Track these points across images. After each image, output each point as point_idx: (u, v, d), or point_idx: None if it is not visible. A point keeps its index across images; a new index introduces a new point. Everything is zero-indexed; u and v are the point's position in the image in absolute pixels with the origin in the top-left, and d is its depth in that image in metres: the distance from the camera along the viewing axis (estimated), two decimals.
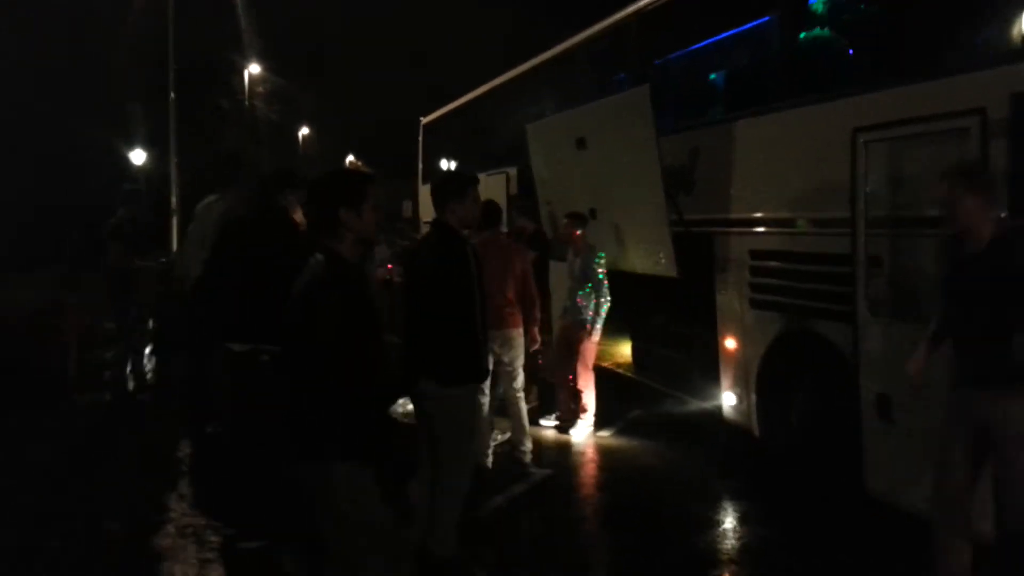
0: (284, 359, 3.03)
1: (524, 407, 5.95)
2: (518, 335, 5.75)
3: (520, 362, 5.82)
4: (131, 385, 8.21)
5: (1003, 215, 3.61)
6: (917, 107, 4.20)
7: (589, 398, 6.66)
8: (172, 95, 18.70)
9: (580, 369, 6.62)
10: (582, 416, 6.68)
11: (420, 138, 14.84)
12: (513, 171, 9.36)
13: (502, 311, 5.56)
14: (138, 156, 25.58)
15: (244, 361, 4.33)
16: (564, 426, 6.75)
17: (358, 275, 3.02)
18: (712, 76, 6.60)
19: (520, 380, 5.88)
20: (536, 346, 6.01)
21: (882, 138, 4.40)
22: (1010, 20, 3.84)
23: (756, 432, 5.74)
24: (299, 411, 2.91)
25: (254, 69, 32.37)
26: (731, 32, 6.18)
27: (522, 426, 5.91)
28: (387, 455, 2.97)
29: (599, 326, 6.52)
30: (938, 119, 4.06)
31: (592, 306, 6.47)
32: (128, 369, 8.28)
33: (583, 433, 6.63)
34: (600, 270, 6.48)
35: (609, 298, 6.52)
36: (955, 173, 3.47)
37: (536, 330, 5.95)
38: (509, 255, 5.80)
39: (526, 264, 5.91)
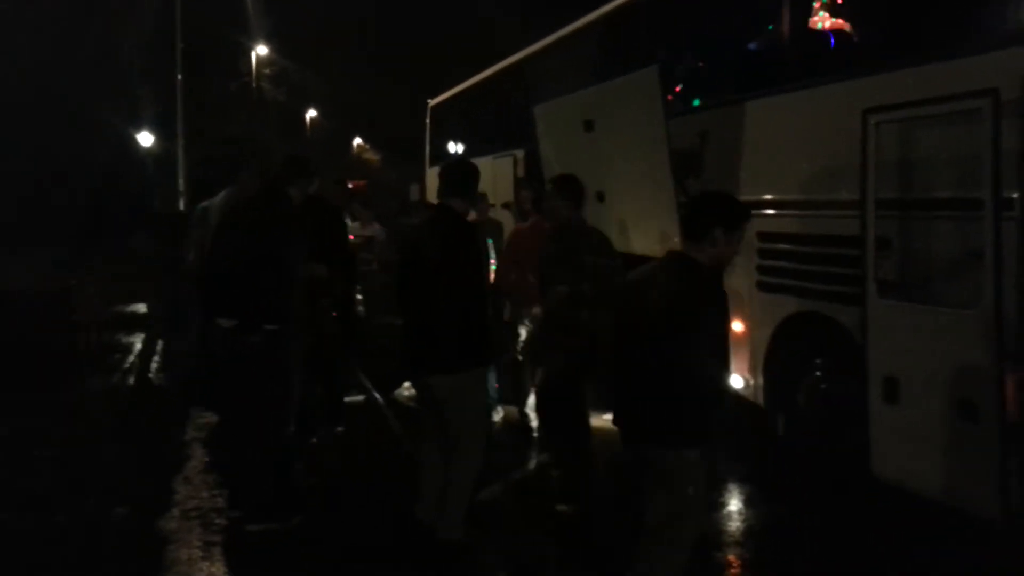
0: (637, 353, 3.14)
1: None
2: None
3: None
4: (152, 367, 8.26)
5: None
6: (928, 88, 4.16)
7: None
8: (179, 76, 18.68)
9: None
10: None
11: (428, 120, 14.81)
12: (521, 153, 9.32)
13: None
14: (145, 138, 25.64)
15: (233, 337, 4.41)
16: None
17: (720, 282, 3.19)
18: (723, 56, 6.54)
19: None
20: None
21: (893, 119, 4.36)
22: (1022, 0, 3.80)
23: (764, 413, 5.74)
24: (655, 400, 3.07)
25: (262, 51, 32.28)
26: (741, 11, 6.11)
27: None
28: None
29: None
30: (950, 100, 4.02)
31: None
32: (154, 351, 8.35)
33: None
34: None
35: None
36: None
37: None
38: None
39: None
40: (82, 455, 5.79)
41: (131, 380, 8.01)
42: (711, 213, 3.19)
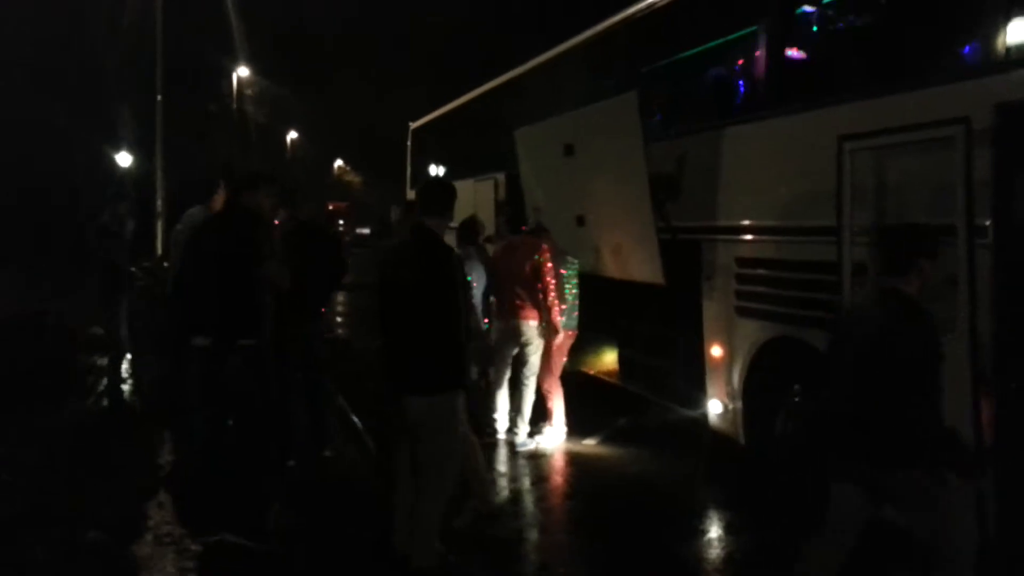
0: (849, 384, 3.46)
1: (530, 392, 6.50)
2: (527, 326, 6.35)
3: (531, 349, 6.41)
4: (123, 390, 8.11)
5: None
6: (902, 116, 4.22)
7: (556, 405, 6.63)
8: (159, 97, 18.59)
9: (545, 374, 6.60)
10: (549, 424, 6.64)
11: (409, 143, 14.83)
12: (502, 177, 9.34)
13: (512, 304, 6.37)
14: (124, 159, 25.48)
15: (209, 355, 4.44)
16: (532, 433, 6.65)
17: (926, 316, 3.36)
18: (700, 84, 6.61)
19: (531, 366, 6.46)
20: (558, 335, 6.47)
21: (867, 147, 4.41)
22: (994, 31, 3.87)
23: (742, 440, 5.73)
24: (875, 423, 3.35)
25: (243, 72, 32.28)
26: (719, 40, 6.18)
27: (520, 407, 6.47)
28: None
29: (561, 331, 6.46)
30: (923, 128, 4.07)
31: (563, 313, 6.47)
32: (121, 374, 8.20)
33: (553, 441, 6.58)
34: (571, 275, 6.50)
35: (569, 303, 6.53)
36: None
37: (555, 318, 6.38)
38: (518, 254, 6.42)
39: (532, 259, 6.36)
40: (53, 479, 5.65)
41: (104, 403, 7.87)
42: (916, 246, 3.44)
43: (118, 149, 25.37)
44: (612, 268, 6.84)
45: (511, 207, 8.30)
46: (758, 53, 5.62)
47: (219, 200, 5.97)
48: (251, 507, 4.47)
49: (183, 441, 6.11)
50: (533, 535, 4.86)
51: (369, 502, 5.17)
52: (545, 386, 6.61)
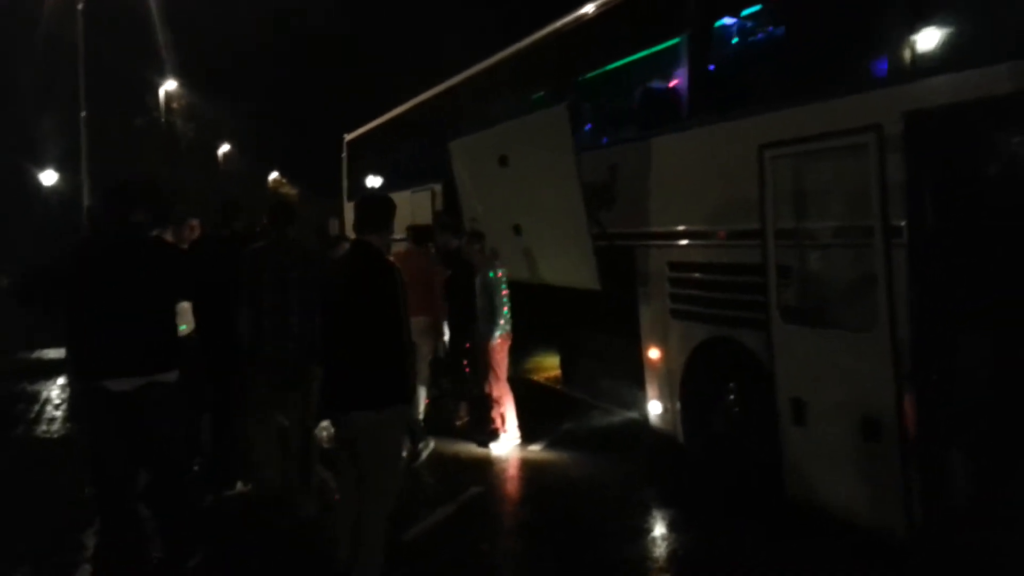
0: None
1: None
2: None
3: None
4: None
5: None
6: (818, 124, 4.41)
7: (508, 411, 6.69)
8: (83, 113, 18.09)
9: (492, 381, 6.66)
10: (502, 430, 6.72)
11: (344, 155, 14.73)
12: (438, 187, 9.38)
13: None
14: (49, 177, 24.68)
15: (127, 398, 3.89)
16: (486, 440, 6.74)
17: None
18: (629, 95, 6.77)
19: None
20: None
21: (787, 154, 4.60)
22: (903, 42, 4.08)
23: (681, 439, 5.89)
24: None
25: (170, 85, 31.56)
26: (645, 52, 6.35)
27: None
28: None
29: (496, 335, 6.52)
30: (838, 136, 4.27)
31: (493, 318, 6.54)
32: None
33: (506, 447, 6.64)
34: (500, 282, 6.57)
35: (504, 309, 6.57)
36: None
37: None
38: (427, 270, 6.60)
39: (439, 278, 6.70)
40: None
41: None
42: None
43: (42, 166, 24.57)
44: (550, 275, 6.94)
45: (450, 216, 8.36)
46: (682, 65, 5.80)
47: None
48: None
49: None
50: (481, 544, 4.90)
51: (309, 519, 5.15)
52: (495, 393, 6.67)
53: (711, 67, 5.54)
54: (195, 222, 6.09)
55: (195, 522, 4.61)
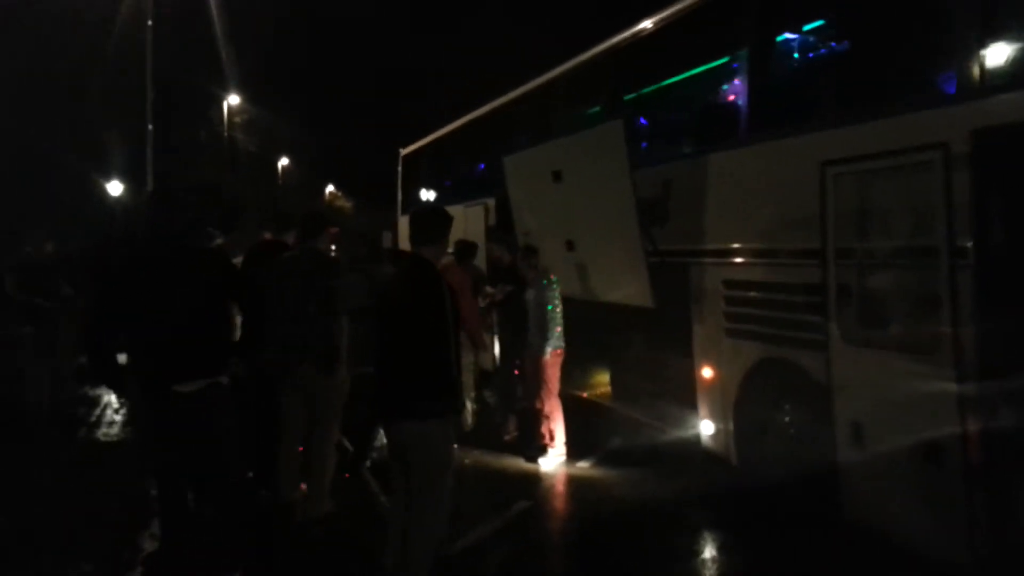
0: None
1: None
2: None
3: None
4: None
5: None
6: (883, 142, 4.32)
7: (557, 426, 6.66)
8: (150, 127, 18.66)
9: (544, 396, 6.63)
10: (551, 445, 6.67)
11: (400, 169, 14.91)
12: (492, 202, 9.43)
13: None
14: (115, 187, 25.51)
15: (188, 400, 3.96)
16: (534, 455, 6.71)
17: None
18: (686, 110, 6.73)
19: None
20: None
21: (849, 171, 4.52)
22: (971, 58, 3.98)
23: (734, 460, 5.78)
24: None
25: (233, 100, 32.40)
26: (703, 67, 6.31)
27: None
28: None
29: (548, 350, 6.51)
30: (903, 153, 4.18)
31: (545, 333, 6.52)
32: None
33: (553, 463, 6.60)
34: (553, 296, 6.56)
35: (558, 324, 6.55)
36: None
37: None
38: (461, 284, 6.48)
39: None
40: (42, 510, 5.64)
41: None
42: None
43: (108, 177, 25.42)
44: (602, 292, 6.91)
45: (503, 231, 8.39)
46: (741, 80, 5.74)
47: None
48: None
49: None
50: (527, 560, 4.87)
51: (361, 530, 5.18)
52: (546, 408, 6.64)
53: (771, 82, 5.48)
54: (268, 234, 6.31)
55: (248, 525, 4.68)
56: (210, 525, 4.23)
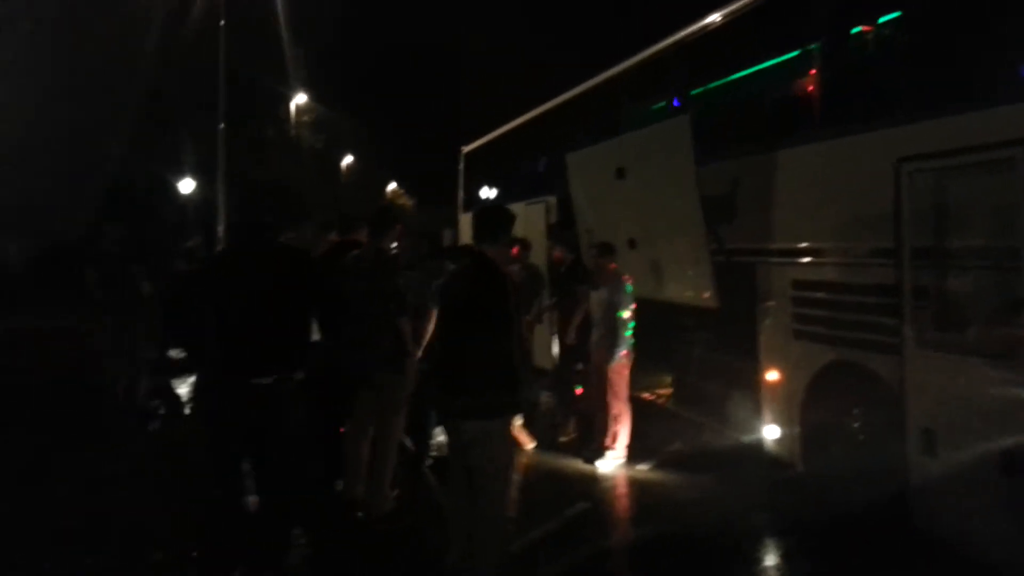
0: None
1: None
2: None
3: None
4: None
5: None
6: (962, 137, 4.15)
7: (622, 429, 6.56)
8: (222, 126, 19.15)
9: (611, 399, 6.54)
10: (611, 447, 6.59)
11: (461, 167, 14.99)
12: (553, 200, 9.40)
13: None
14: (187, 185, 26.28)
15: (266, 393, 4.03)
16: (591, 457, 6.63)
17: None
18: (754, 106, 6.58)
19: None
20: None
21: (927, 168, 4.35)
22: None
23: (799, 465, 5.64)
24: None
25: (300, 99, 33.02)
26: (772, 61, 6.16)
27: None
28: None
29: (619, 353, 6.42)
30: (983, 149, 4.00)
31: (616, 336, 6.44)
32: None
33: (611, 465, 6.51)
34: (628, 300, 6.45)
35: (629, 328, 6.45)
36: None
37: None
38: None
39: None
40: (116, 501, 5.79)
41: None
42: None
43: (180, 176, 26.19)
44: (665, 291, 6.82)
45: (564, 229, 8.35)
46: (812, 74, 5.59)
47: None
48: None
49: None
50: (586, 560, 4.83)
51: (422, 526, 5.22)
52: (614, 411, 6.55)
53: (845, 77, 5.31)
54: (333, 235, 6.36)
55: (314, 520, 4.76)
56: (264, 522, 4.26)
